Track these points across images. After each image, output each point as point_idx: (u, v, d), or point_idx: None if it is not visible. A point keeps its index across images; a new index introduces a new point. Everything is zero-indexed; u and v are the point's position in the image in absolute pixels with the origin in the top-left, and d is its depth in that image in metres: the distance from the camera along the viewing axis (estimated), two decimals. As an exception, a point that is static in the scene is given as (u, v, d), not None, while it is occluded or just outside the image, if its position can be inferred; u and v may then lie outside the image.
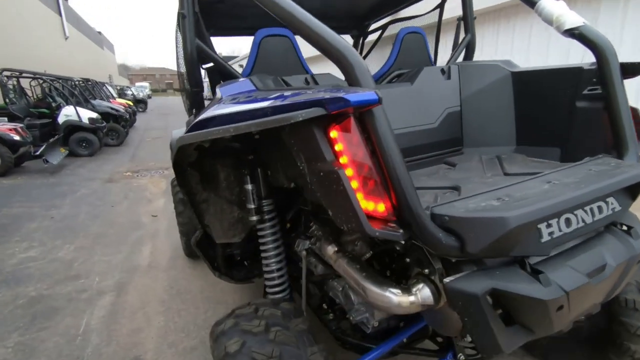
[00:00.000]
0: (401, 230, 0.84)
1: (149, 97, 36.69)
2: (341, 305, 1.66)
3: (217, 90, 1.34)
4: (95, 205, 5.44)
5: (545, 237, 0.91)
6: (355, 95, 0.75)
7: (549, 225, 0.92)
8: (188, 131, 1.35)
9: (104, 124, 10.01)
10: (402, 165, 0.84)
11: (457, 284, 0.90)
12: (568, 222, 0.95)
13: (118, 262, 3.56)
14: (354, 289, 1.12)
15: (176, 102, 43.34)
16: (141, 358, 2.26)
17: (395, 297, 1.00)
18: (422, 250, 1.00)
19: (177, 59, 2.39)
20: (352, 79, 0.86)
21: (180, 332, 2.48)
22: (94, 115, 9.49)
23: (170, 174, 7.41)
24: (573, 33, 1.40)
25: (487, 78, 1.80)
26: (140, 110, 22.41)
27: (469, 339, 1.55)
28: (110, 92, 16.21)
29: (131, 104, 16.45)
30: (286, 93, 0.93)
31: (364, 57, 2.98)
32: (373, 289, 1.03)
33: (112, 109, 11.42)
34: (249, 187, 1.61)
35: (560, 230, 0.93)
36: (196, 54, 1.51)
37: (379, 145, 0.83)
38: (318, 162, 0.86)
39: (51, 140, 8.03)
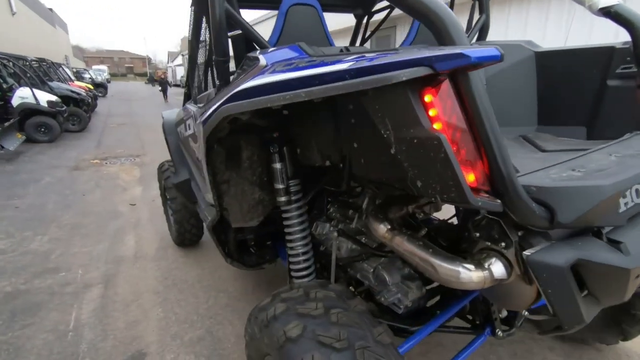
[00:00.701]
0: (498, 201, 0.80)
1: (108, 81, 34.51)
2: (367, 287, 1.63)
3: (260, 57, 1.23)
4: (64, 194, 5.04)
5: (622, 207, 0.92)
6: (477, 51, 0.69)
7: (624, 196, 0.92)
8: (225, 102, 1.23)
9: (65, 107, 9.28)
10: (498, 131, 0.79)
11: (540, 257, 0.88)
12: (637, 192, 0.95)
13: (101, 253, 3.32)
14: (419, 267, 1.07)
15: (139, 88, 41.12)
16: (144, 352, 2.12)
17: (468, 273, 0.97)
18: (497, 223, 0.98)
19: (193, 30, 2.22)
20: (447, 39, 0.80)
21: (182, 323, 2.35)
22: (53, 98, 8.76)
23: (143, 162, 7.03)
24: (608, 12, 1.42)
25: (510, 58, 1.80)
26: (100, 95, 21.05)
27: (504, 313, 1.58)
28: (67, 75, 15.03)
29: (92, 87, 15.39)
30: (368, 55, 0.86)
31: (368, 39, 2.91)
32: (445, 265, 1.00)
33: (72, 92, 10.60)
34: (278, 165, 1.52)
35: (632, 201, 0.94)
36: (225, 19, 1.38)
37: (474, 109, 0.78)
38: (411, 129, 0.80)
39: (5, 124, 7.31)
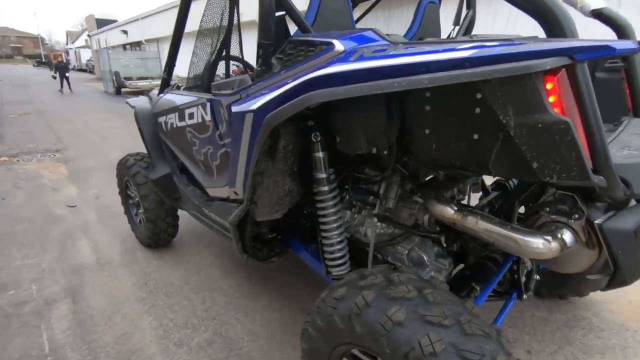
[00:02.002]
0: (602, 177, 0.92)
1: (-10, 63, 28.99)
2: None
3: (335, 41, 1.17)
4: (-25, 198, 4.21)
5: None
6: (619, 44, 0.77)
7: None
8: (305, 88, 1.17)
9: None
10: (599, 116, 0.90)
11: (612, 224, 1.03)
12: None
13: (53, 264, 2.87)
14: (498, 242, 1.16)
15: (31, 72, 35.32)
16: (149, 365, 1.93)
17: (548, 244, 1.09)
18: (570, 198, 1.11)
19: (210, 13, 1.98)
20: (559, 32, 0.87)
21: (183, 328, 2.18)
22: None
23: (67, 157, 6.17)
24: (599, 14, 1.66)
25: None
26: (-17, 79, 17.61)
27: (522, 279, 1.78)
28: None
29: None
30: (489, 43, 0.89)
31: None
32: (529, 239, 1.10)
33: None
34: (320, 154, 1.49)
35: None
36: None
37: (584, 97, 0.88)
38: (536, 114, 0.86)
39: None
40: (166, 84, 2.48)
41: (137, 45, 23.52)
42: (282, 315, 2.28)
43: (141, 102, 2.67)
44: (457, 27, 2.36)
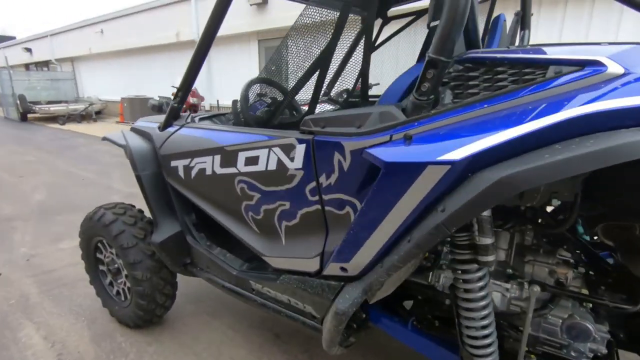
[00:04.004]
0: None
1: None
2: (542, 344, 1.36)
3: (607, 60, 0.79)
4: None
5: None
6: None
7: None
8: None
9: None
10: None
11: None
12: None
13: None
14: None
15: None
16: None
17: None
18: None
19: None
20: None
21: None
22: None
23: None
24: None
25: None
26: None
27: None
28: None
29: None
30: None
31: (377, 47, 2.58)
32: None
33: None
34: (488, 212, 1.09)
35: None
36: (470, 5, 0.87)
37: None
38: None
39: None
40: (176, 116, 1.86)
41: (44, 65, 20.73)
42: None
43: (132, 139, 1.98)
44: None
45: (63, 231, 3.89)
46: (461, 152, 0.88)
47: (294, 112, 2.05)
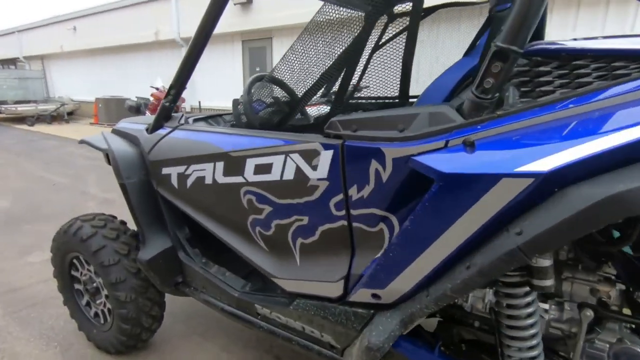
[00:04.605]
0: None
1: None
2: None
3: None
4: None
5: None
6: None
7: None
8: None
9: None
10: None
11: None
12: None
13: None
14: None
15: None
16: None
17: None
18: None
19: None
20: None
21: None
22: None
23: None
24: None
25: None
26: None
27: None
28: None
29: None
30: None
31: (381, 46, 2.43)
32: None
33: None
34: None
35: None
36: None
37: None
38: None
39: None
40: (167, 116, 1.64)
41: (11, 62, 19.66)
42: None
43: (115, 142, 1.73)
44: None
45: (32, 242, 3.54)
46: (549, 162, 0.72)
47: (302, 114, 1.87)
